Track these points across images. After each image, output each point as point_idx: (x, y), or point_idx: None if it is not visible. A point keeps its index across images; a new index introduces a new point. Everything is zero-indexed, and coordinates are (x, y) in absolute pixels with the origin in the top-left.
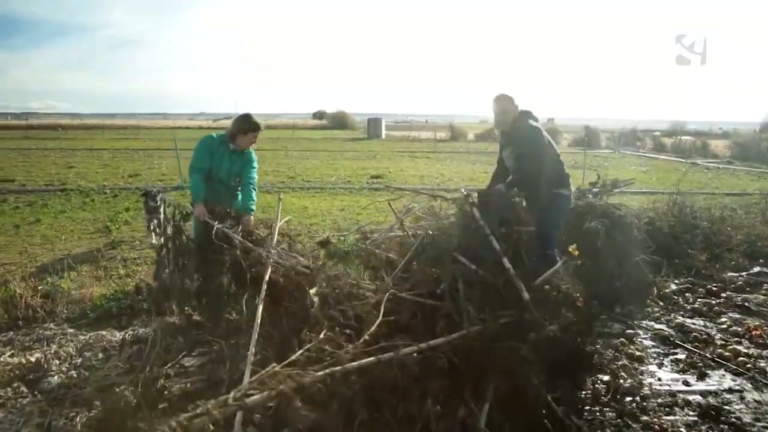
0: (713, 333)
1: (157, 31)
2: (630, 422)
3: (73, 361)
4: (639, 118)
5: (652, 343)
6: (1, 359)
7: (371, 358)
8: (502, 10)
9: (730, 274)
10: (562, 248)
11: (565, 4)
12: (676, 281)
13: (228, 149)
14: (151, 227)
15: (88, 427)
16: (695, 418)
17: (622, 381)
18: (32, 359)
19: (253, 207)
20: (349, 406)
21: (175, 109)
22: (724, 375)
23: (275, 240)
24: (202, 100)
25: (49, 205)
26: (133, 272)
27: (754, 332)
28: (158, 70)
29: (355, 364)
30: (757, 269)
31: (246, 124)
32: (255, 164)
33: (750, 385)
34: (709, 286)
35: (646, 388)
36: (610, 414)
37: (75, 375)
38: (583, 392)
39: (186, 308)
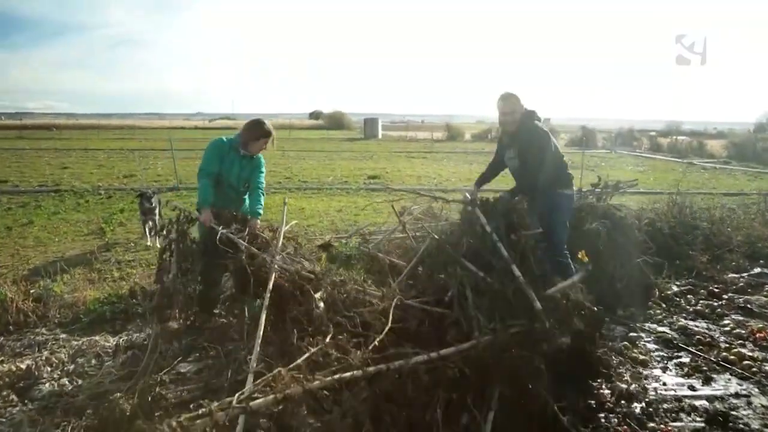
0: (717, 336)
1: (156, 30)
2: (636, 428)
3: (66, 368)
4: (635, 118)
5: (656, 347)
6: None
7: (381, 366)
8: (500, 10)
9: (731, 275)
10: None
11: (564, 4)
12: (678, 283)
13: (238, 154)
14: (147, 229)
15: None
16: (702, 424)
17: (626, 386)
18: (23, 366)
19: (261, 211)
20: (355, 413)
21: (174, 108)
22: (729, 379)
23: (280, 244)
24: (200, 99)
25: (42, 206)
26: (128, 275)
27: (758, 335)
28: (158, 69)
29: (361, 371)
30: (757, 270)
31: (258, 130)
32: (263, 169)
33: (757, 390)
34: (710, 288)
35: (652, 393)
36: (615, 420)
37: (67, 382)
38: (589, 399)
39: (189, 314)
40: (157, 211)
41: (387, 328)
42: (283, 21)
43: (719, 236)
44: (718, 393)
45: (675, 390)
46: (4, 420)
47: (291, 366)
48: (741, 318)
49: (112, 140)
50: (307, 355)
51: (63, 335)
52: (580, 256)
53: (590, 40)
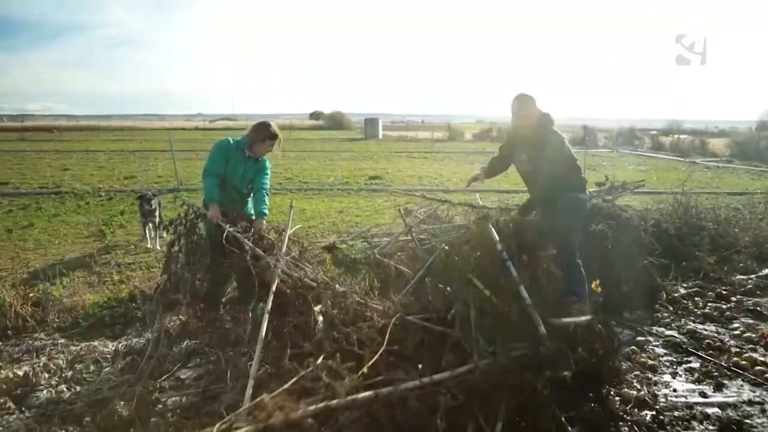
0: (726, 340)
1: (156, 30)
2: None
3: (63, 374)
4: (636, 117)
5: (664, 351)
6: None
7: (369, 393)
8: (500, 10)
9: (739, 277)
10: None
11: (563, 4)
12: (685, 285)
13: (243, 156)
14: (147, 231)
15: None
16: None
17: (636, 392)
18: (20, 373)
19: (266, 211)
20: None
21: (174, 109)
22: (742, 386)
23: (284, 248)
24: (200, 100)
25: (43, 208)
26: (128, 278)
27: None
28: (158, 69)
29: (350, 398)
30: (766, 272)
31: (265, 133)
32: (268, 171)
33: None
34: (718, 290)
35: (662, 400)
36: (625, 429)
37: (65, 389)
38: (598, 407)
39: (196, 305)
40: (157, 213)
41: (380, 351)
42: (283, 21)
43: (726, 237)
44: (731, 400)
45: (686, 397)
46: (1, 428)
47: (275, 393)
48: (751, 321)
49: (112, 141)
50: (294, 379)
51: (62, 340)
52: (593, 286)
53: (590, 40)
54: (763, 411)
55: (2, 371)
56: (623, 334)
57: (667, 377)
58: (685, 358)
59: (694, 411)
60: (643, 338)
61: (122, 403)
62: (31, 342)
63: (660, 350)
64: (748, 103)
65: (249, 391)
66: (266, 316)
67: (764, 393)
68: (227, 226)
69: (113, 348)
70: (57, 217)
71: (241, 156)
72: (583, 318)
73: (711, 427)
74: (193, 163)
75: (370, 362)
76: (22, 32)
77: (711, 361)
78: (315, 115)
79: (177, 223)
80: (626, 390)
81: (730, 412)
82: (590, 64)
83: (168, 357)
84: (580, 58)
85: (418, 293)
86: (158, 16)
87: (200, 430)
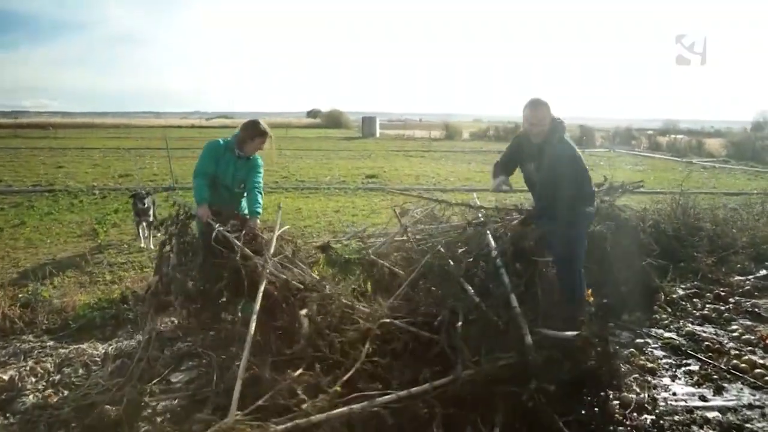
0: (725, 342)
1: (155, 28)
2: None
3: (51, 378)
4: (632, 116)
5: (663, 353)
6: None
7: (342, 409)
8: (498, 10)
9: (737, 278)
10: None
11: (563, 4)
12: (683, 286)
13: (234, 155)
14: (140, 230)
15: None
16: None
17: (635, 396)
18: (5, 377)
19: (260, 210)
20: None
21: (172, 107)
22: (742, 389)
23: (272, 249)
24: (200, 99)
25: (35, 206)
26: (120, 278)
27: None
28: (157, 67)
29: (323, 416)
30: (763, 273)
31: (254, 131)
32: (261, 169)
33: None
34: (716, 291)
35: (662, 404)
36: None
37: (52, 393)
38: (597, 411)
39: (189, 306)
40: (151, 212)
41: (356, 367)
42: (283, 21)
43: (724, 238)
44: (731, 404)
45: (686, 400)
46: None
47: (247, 411)
48: (749, 323)
49: (108, 139)
50: (268, 395)
51: (50, 342)
52: (586, 296)
53: (589, 40)
54: (763, 415)
55: None
56: (622, 337)
57: (666, 380)
58: (684, 361)
59: (695, 415)
60: (641, 340)
61: (111, 407)
62: (18, 344)
63: (659, 353)
64: (743, 104)
65: (236, 394)
66: (254, 317)
67: (764, 396)
68: (217, 226)
69: (103, 351)
70: (49, 216)
71: (231, 155)
72: (569, 334)
73: None
74: (189, 161)
75: (345, 377)
76: (20, 29)
77: (710, 363)
78: (312, 113)
79: (168, 224)
80: (626, 394)
81: (731, 416)
82: (589, 64)
83: (159, 360)
84: (579, 58)
85: (409, 296)
86: (158, 15)
87: None
